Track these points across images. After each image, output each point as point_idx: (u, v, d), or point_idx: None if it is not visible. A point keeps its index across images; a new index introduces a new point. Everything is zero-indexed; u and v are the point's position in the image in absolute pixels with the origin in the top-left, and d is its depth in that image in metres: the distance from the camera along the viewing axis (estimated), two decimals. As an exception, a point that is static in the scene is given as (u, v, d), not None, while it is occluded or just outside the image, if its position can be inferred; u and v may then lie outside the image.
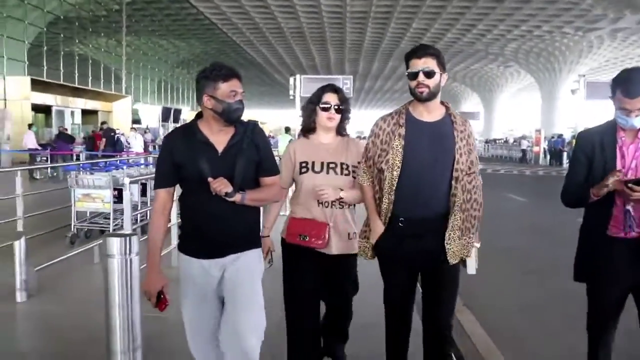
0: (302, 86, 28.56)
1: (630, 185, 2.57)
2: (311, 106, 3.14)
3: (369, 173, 2.89)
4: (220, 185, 2.43)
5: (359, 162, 3.01)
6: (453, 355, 3.06)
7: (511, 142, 46.96)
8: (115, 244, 3.07)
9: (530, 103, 71.14)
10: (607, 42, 41.78)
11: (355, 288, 3.36)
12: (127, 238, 3.08)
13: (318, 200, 3.05)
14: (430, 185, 2.73)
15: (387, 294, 3.00)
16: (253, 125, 2.65)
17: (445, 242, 2.74)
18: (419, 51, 2.71)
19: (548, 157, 35.00)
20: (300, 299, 3.11)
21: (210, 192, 2.46)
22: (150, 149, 21.92)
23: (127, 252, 3.07)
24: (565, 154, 33.18)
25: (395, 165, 2.71)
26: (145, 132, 24.30)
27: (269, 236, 3.20)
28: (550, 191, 18.05)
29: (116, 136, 19.81)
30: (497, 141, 50.31)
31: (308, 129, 3.19)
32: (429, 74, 2.67)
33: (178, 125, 34.85)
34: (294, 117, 25.42)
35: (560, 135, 35.21)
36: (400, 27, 39.49)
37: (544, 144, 36.03)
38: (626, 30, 38.47)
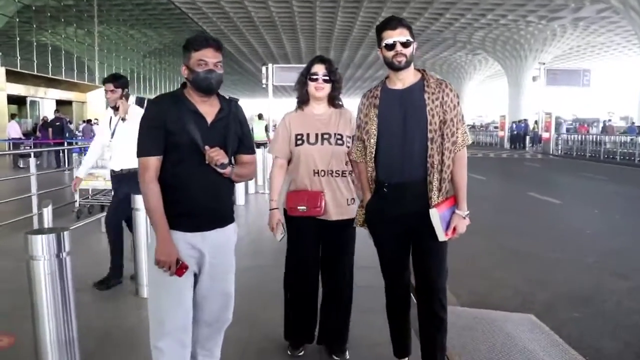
0: (274, 75, 29.22)
1: None
2: (302, 79, 3.26)
3: (362, 149, 2.96)
4: (218, 155, 2.41)
5: (353, 136, 3.12)
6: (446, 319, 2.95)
7: (478, 127, 48.35)
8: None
9: (498, 90, 72.71)
10: (570, 31, 43.05)
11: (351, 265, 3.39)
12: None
13: (314, 170, 3.18)
14: (406, 150, 2.79)
15: (381, 261, 3.04)
16: (236, 101, 2.68)
17: (430, 203, 2.78)
18: (392, 22, 2.80)
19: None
20: (303, 265, 3.27)
21: (200, 162, 2.43)
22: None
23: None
24: (528, 138, 34.68)
25: (372, 134, 2.84)
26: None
27: (277, 208, 3.26)
28: (508, 171, 19.29)
29: (63, 125, 19.93)
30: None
31: (302, 100, 3.30)
32: (406, 44, 2.77)
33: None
34: (266, 106, 26.07)
35: (524, 120, 36.59)
36: (370, 16, 40.18)
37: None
38: (587, 19, 39.79)
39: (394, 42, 2.77)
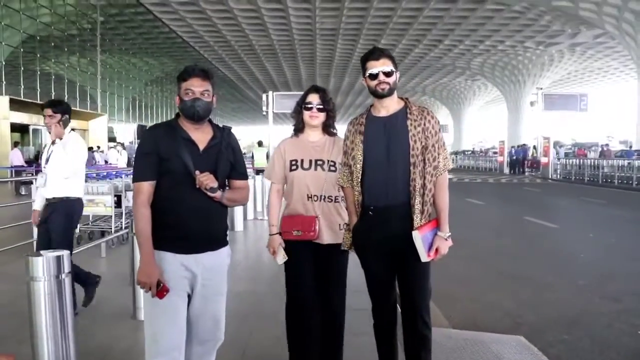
0: (274, 102, 29.50)
1: None
2: (297, 107, 3.42)
3: (348, 174, 3.07)
4: (208, 179, 2.54)
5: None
6: (430, 337, 3.05)
7: (477, 152, 48.76)
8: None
9: (498, 115, 73.25)
10: (567, 56, 43.58)
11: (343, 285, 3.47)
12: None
13: (307, 195, 3.30)
14: (390, 174, 2.90)
15: (368, 283, 3.14)
16: (229, 130, 2.80)
17: (413, 226, 2.87)
18: (375, 53, 2.96)
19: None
20: (300, 284, 3.34)
21: (192, 187, 2.55)
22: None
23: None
24: (527, 163, 34.94)
25: (358, 159, 2.97)
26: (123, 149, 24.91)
27: (278, 233, 3.36)
28: (507, 196, 19.39)
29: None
30: (466, 152, 51.96)
31: (298, 128, 3.45)
32: (389, 74, 2.93)
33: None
34: (267, 133, 26.24)
35: (522, 145, 36.84)
36: (369, 43, 40.59)
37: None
38: (584, 45, 40.33)
39: (377, 71, 2.93)
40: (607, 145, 36.12)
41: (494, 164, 39.49)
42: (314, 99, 3.36)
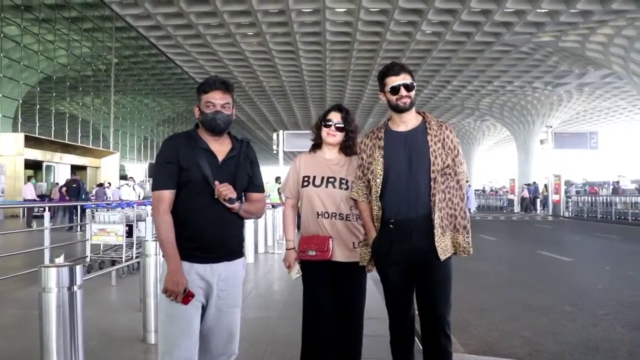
0: (285, 141, 29.75)
1: None
2: (318, 123, 3.41)
3: (363, 188, 3.06)
4: (227, 190, 2.54)
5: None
6: (451, 352, 2.98)
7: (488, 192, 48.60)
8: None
9: (507, 155, 73.34)
10: (576, 96, 43.69)
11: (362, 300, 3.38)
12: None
13: (317, 212, 3.27)
14: (411, 188, 2.89)
15: (387, 297, 3.10)
16: (247, 142, 2.79)
17: (435, 239, 2.85)
18: (395, 68, 2.98)
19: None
20: (317, 304, 3.27)
21: (211, 197, 2.56)
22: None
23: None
24: (538, 201, 34.77)
25: (378, 174, 2.95)
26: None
27: (294, 248, 3.37)
28: (519, 232, 19.21)
29: (80, 186, 20.28)
30: (476, 192, 51.83)
31: (316, 144, 3.44)
32: (409, 87, 2.95)
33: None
34: (277, 173, 26.30)
35: (533, 184, 36.77)
36: (378, 85, 41.03)
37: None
38: (592, 85, 40.45)
39: (399, 85, 2.93)
40: (617, 182, 35.97)
41: (505, 202, 39.31)
42: (334, 117, 3.34)
